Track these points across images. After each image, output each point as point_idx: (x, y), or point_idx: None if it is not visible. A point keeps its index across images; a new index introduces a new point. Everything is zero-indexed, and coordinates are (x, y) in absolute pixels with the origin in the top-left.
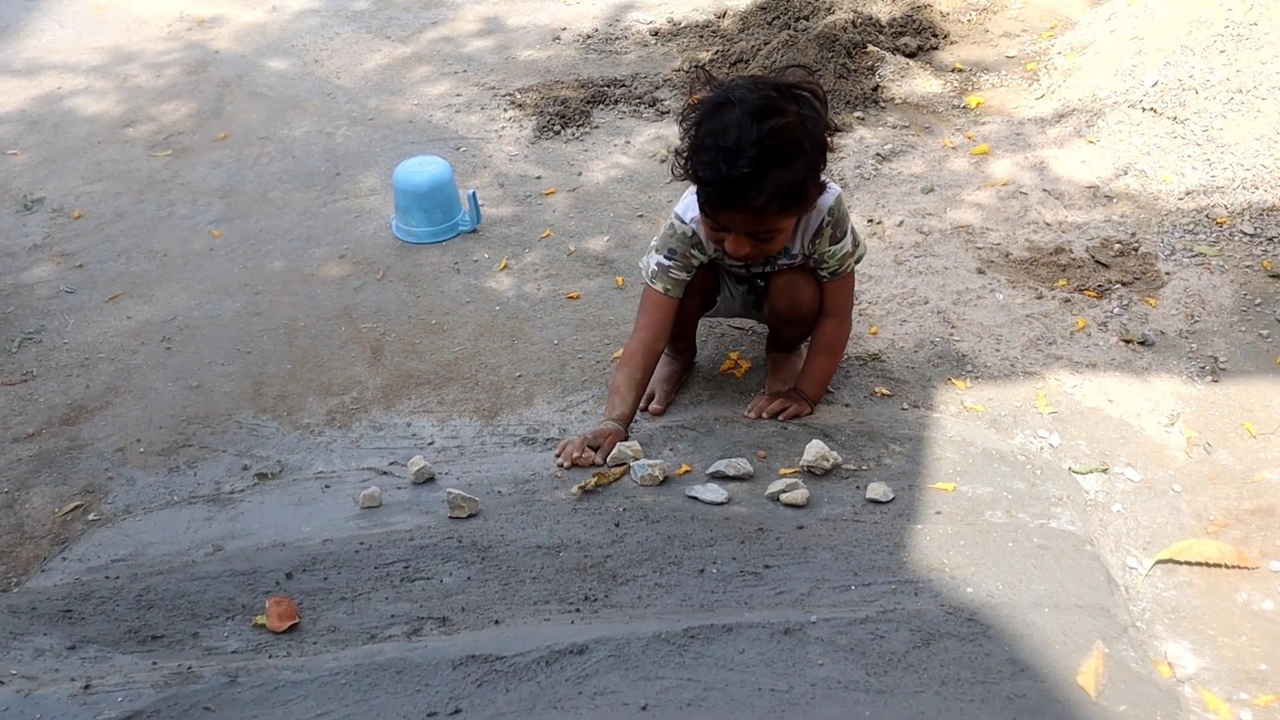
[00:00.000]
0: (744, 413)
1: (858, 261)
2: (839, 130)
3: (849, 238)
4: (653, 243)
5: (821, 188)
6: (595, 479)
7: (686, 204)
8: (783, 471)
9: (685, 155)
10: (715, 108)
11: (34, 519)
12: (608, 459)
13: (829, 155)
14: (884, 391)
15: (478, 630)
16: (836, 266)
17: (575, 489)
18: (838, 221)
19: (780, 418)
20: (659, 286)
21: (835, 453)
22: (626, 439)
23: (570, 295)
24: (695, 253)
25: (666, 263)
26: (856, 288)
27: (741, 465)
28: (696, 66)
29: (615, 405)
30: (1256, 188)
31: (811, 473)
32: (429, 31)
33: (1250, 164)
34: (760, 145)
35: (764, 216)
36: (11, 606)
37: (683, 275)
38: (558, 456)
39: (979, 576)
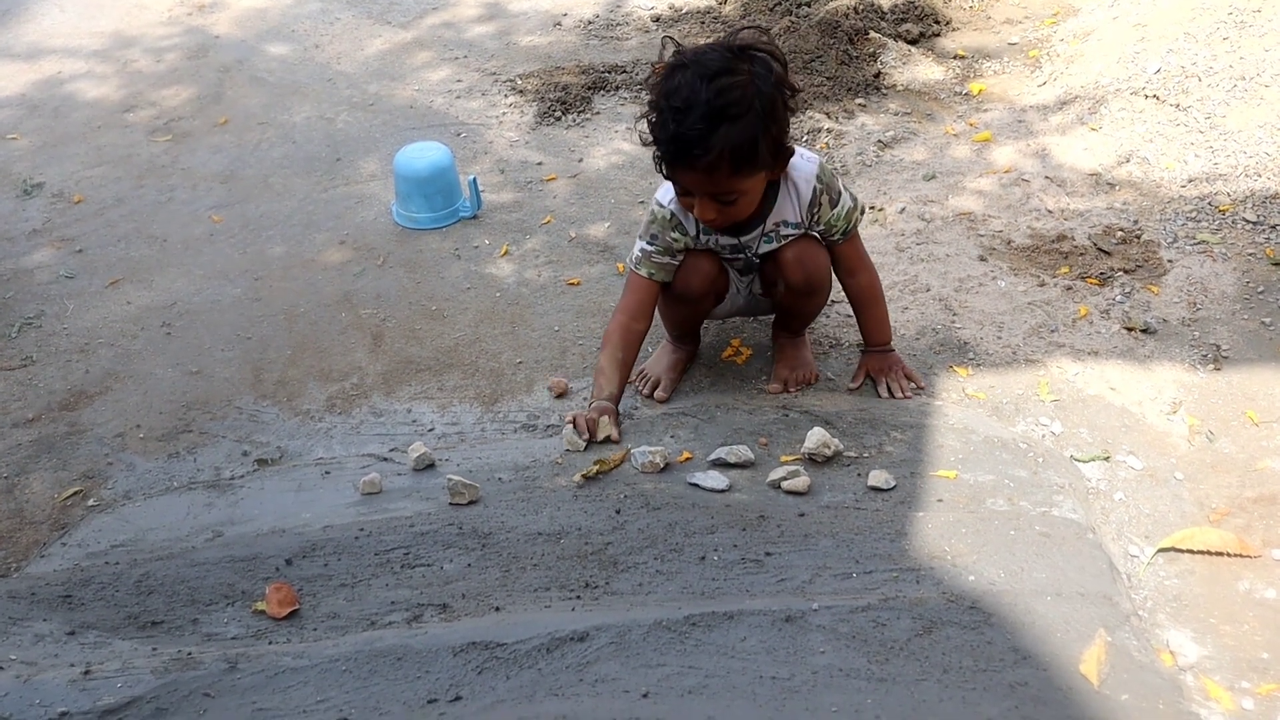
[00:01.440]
0: (880, 394)
1: (862, 214)
2: (798, 91)
3: (845, 196)
4: (639, 233)
5: (785, 152)
6: (597, 465)
7: (665, 187)
8: (784, 459)
9: (644, 118)
10: (672, 70)
11: (34, 504)
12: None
13: (792, 117)
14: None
15: (478, 617)
16: (846, 225)
17: (577, 476)
18: (829, 186)
19: (913, 389)
20: (642, 271)
21: (836, 440)
22: (619, 417)
23: (571, 281)
24: (675, 235)
25: (649, 248)
26: None
27: (742, 452)
28: (665, 37)
29: (603, 386)
30: (1259, 175)
31: (813, 460)
32: (430, 17)
33: (1253, 151)
34: (709, 104)
35: (715, 176)
36: (11, 592)
37: (665, 259)
38: (577, 435)
39: (981, 564)
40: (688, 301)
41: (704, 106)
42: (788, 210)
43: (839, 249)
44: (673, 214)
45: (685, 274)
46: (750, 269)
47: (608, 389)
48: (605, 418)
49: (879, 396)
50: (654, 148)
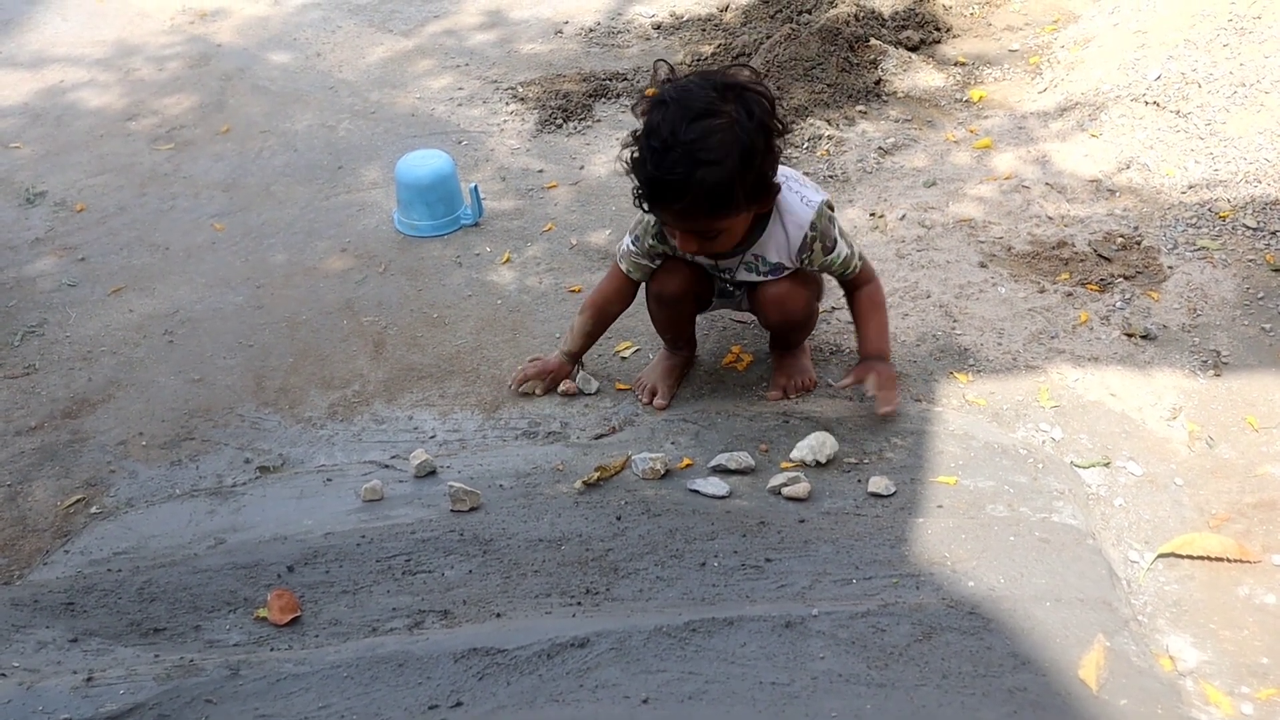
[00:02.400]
0: (836, 384)
1: (861, 260)
2: (787, 132)
3: (841, 245)
4: (630, 225)
5: (770, 189)
6: (598, 472)
7: None
8: (784, 465)
9: (626, 148)
10: (655, 105)
11: (36, 512)
12: (559, 388)
13: (777, 159)
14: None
15: (479, 623)
16: (844, 269)
17: (578, 483)
18: (823, 234)
19: (882, 405)
20: (623, 266)
21: (832, 440)
22: (571, 374)
23: (572, 289)
24: (654, 243)
25: (632, 248)
26: None
27: (743, 459)
28: (657, 60)
29: (568, 342)
30: (1259, 181)
31: (806, 465)
32: (431, 25)
33: (1253, 158)
34: (686, 146)
35: (690, 218)
36: (14, 599)
37: (645, 262)
38: (521, 380)
39: (980, 570)
40: (666, 303)
41: (681, 149)
42: (770, 249)
43: (847, 280)
44: (655, 220)
45: (663, 276)
46: (729, 293)
47: (571, 346)
48: (538, 380)
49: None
50: (632, 181)
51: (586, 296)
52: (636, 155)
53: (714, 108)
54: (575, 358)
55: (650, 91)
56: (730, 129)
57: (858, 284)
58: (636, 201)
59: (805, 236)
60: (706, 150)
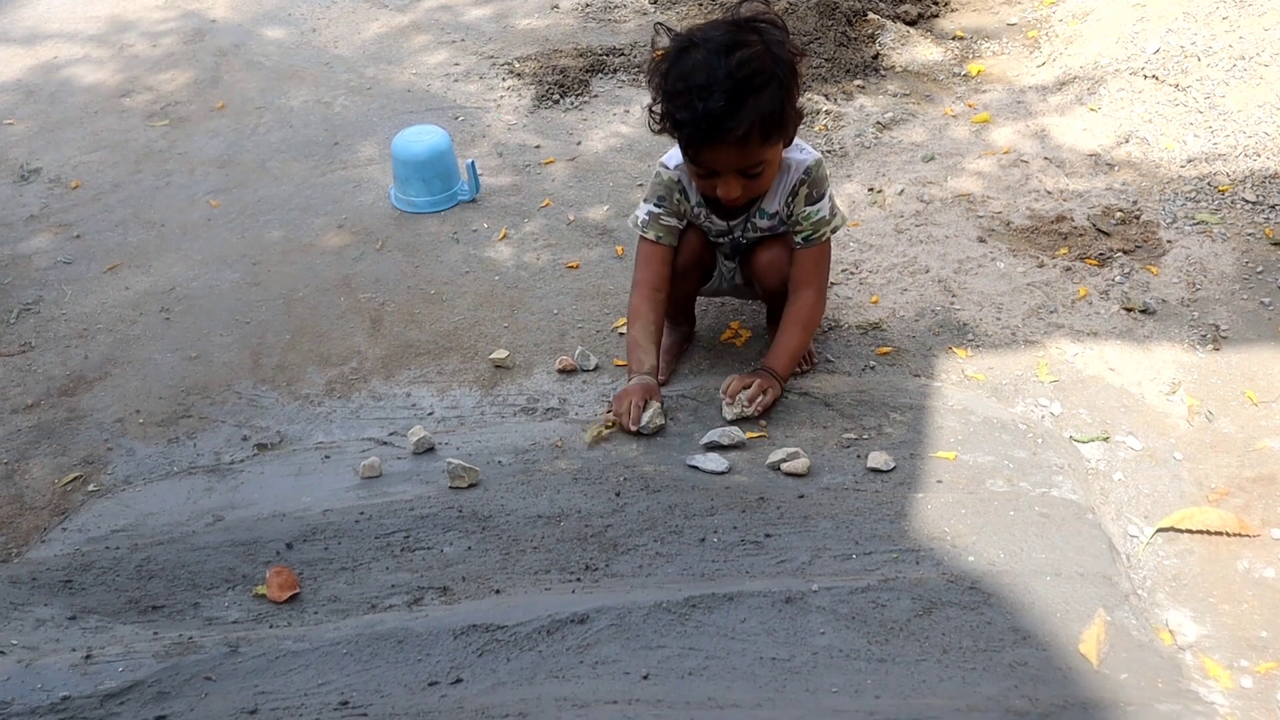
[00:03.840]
0: (720, 392)
1: (834, 231)
2: (804, 55)
3: (826, 202)
4: (643, 197)
5: (799, 118)
6: (600, 429)
7: (671, 153)
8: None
9: (659, 105)
10: (681, 52)
11: (34, 490)
12: (646, 426)
13: (801, 87)
14: (885, 350)
15: (478, 600)
16: (811, 231)
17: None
18: (815, 182)
19: (756, 409)
20: (651, 235)
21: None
22: (660, 389)
23: (570, 265)
24: (681, 199)
25: (657, 210)
26: (858, 256)
27: (735, 434)
28: (656, 24)
29: (641, 361)
30: (1258, 155)
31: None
32: (427, 0)
33: (1252, 131)
34: (732, 77)
35: (748, 147)
36: (12, 577)
37: (673, 221)
38: (628, 424)
39: (980, 545)
40: (677, 275)
41: (728, 81)
42: (770, 196)
43: (798, 253)
44: (679, 179)
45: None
46: (737, 251)
47: (647, 362)
48: (654, 403)
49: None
50: (674, 132)
51: (631, 300)
52: (675, 102)
53: (741, 39)
54: (656, 370)
55: (658, 54)
56: (765, 53)
57: (805, 280)
58: (686, 150)
59: (798, 179)
60: (752, 76)
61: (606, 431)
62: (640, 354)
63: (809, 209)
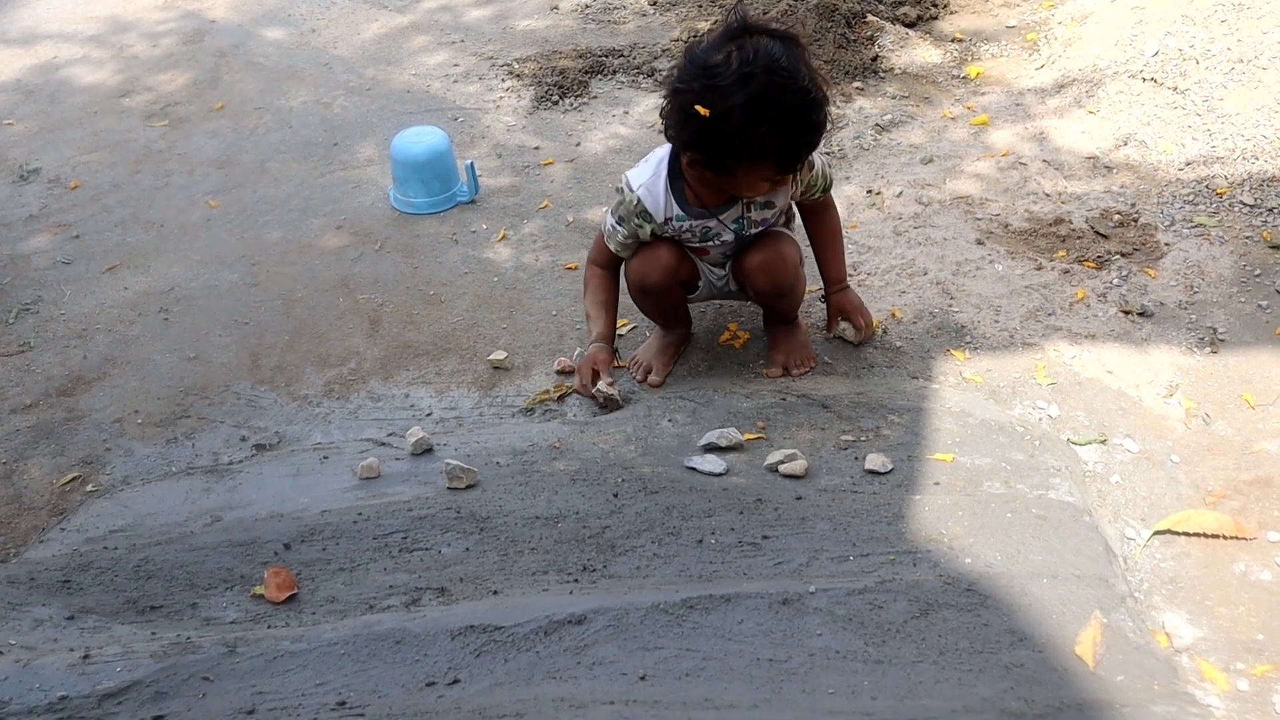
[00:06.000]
0: (848, 336)
1: (830, 176)
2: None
3: (818, 161)
4: (609, 208)
5: None
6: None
7: (638, 172)
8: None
9: (727, 137)
10: (762, 78)
11: (32, 490)
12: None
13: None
14: (885, 354)
15: (476, 600)
16: (823, 184)
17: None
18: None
19: (860, 336)
20: (611, 246)
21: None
22: (615, 355)
23: (569, 266)
24: (639, 222)
25: (618, 228)
26: (856, 258)
27: (732, 435)
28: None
29: (593, 329)
30: (1257, 158)
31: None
32: (426, 1)
33: (1251, 134)
34: (817, 103)
35: (803, 156)
36: (10, 577)
37: (631, 241)
38: (582, 388)
39: (977, 547)
40: (649, 294)
41: (815, 107)
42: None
43: (817, 200)
44: (639, 201)
45: (641, 266)
46: (726, 260)
47: (596, 329)
48: (601, 375)
49: (843, 335)
50: (742, 151)
51: (585, 274)
52: (763, 129)
53: (799, 64)
54: (610, 337)
55: (701, 110)
56: (815, 72)
57: (824, 205)
58: (754, 169)
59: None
60: (823, 101)
61: (551, 395)
62: (592, 323)
63: (813, 173)
